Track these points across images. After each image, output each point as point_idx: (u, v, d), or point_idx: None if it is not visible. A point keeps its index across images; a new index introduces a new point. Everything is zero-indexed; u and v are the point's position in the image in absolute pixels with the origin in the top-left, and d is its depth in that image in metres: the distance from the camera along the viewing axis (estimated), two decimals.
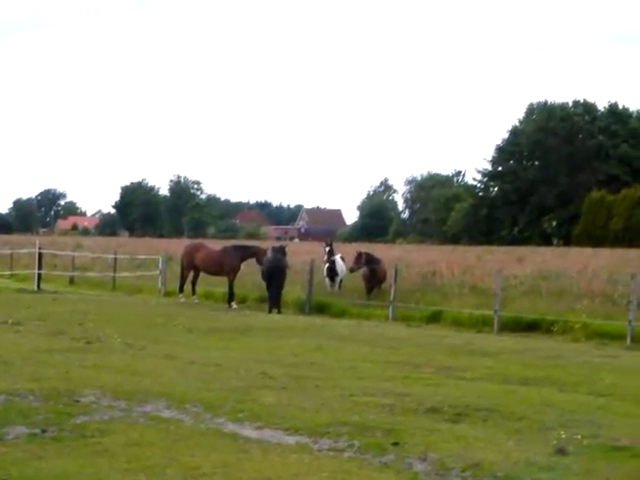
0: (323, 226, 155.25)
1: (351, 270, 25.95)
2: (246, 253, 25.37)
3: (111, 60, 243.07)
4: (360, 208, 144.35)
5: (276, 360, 13.17)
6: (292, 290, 25.34)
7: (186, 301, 25.81)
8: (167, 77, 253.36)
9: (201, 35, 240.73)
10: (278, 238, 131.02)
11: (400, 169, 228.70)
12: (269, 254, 24.63)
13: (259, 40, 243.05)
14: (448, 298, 23.58)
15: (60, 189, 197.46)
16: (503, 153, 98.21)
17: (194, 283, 26.24)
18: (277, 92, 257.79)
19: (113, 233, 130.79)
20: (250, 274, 27.68)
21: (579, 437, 8.22)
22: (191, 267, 26.03)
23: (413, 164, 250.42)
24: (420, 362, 13.50)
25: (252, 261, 25.76)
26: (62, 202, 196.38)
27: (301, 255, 34.62)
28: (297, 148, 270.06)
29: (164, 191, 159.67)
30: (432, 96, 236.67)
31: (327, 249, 26.54)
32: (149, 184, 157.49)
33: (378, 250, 33.69)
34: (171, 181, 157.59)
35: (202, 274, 26.37)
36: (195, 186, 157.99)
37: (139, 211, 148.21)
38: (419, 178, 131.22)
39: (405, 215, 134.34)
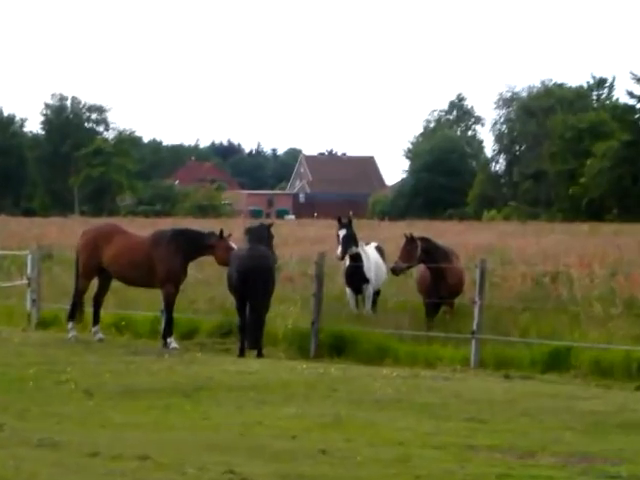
0: (340, 189, 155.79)
1: (394, 271, 25.93)
2: (198, 245, 25.33)
3: None
4: (412, 154, 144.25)
5: (255, 447, 13.23)
6: (285, 312, 25.35)
7: (81, 337, 25.86)
8: None
9: None
10: (255, 213, 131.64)
11: (484, 79, 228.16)
12: (241, 244, 24.67)
13: None
14: (582, 324, 23.56)
15: None
16: None
17: (98, 302, 26.26)
18: None
19: None
20: (204, 284, 27.67)
21: None
22: (94, 271, 26.02)
23: (508, 69, 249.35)
24: (532, 446, 13.55)
25: (207, 260, 25.77)
26: None
27: (301, 245, 34.70)
28: (285, 55, 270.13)
29: (34, 126, 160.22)
30: None
31: (342, 233, 26.47)
32: (6, 114, 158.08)
33: (447, 233, 33.71)
34: (47, 107, 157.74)
35: (114, 284, 26.40)
36: (94, 116, 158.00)
37: None
38: (524, 94, 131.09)
39: (498, 166, 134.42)
